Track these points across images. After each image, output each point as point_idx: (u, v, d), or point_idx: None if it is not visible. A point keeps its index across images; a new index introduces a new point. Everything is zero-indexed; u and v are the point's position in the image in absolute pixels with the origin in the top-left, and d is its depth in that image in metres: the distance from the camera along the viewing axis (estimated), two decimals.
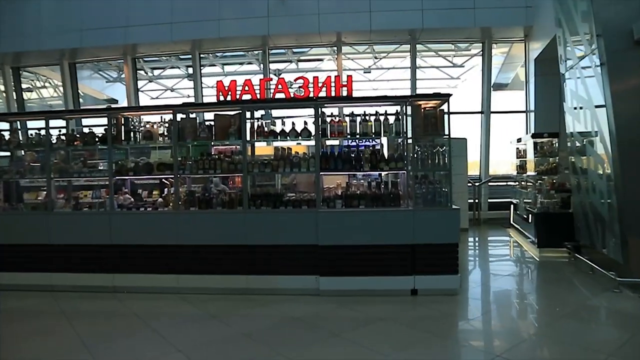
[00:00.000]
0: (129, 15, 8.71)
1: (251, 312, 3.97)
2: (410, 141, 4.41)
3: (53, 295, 4.55)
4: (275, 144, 4.93)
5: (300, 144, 5.77)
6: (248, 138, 4.60)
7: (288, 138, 4.57)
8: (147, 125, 4.87)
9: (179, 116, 4.72)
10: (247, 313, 3.96)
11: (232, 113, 4.71)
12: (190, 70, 10.06)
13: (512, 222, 8.42)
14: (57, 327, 3.70)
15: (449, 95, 4.32)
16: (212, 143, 5.36)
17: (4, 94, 10.12)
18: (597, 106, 4.76)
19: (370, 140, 5.59)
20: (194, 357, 3.07)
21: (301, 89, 4.78)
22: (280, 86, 4.89)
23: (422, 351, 3.12)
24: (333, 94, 4.81)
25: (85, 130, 4.97)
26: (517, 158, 8.37)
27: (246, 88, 4.90)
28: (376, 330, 3.48)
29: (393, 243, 4.24)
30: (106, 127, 4.76)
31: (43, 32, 8.93)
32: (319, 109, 4.47)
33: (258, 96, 5.01)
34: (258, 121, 4.92)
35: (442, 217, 4.25)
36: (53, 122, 5.23)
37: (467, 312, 4.08)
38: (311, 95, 4.77)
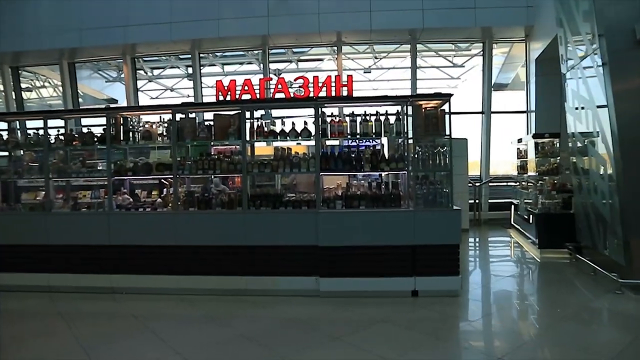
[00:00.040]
0: (129, 14, 8.68)
1: (250, 314, 3.95)
2: (411, 141, 4.39)
3: (51, 296, 4.52)
4: (275, 144, 4.90)
5: (300, 144, 5.75)
6: (248, 138, 4.57)
7: (288, 138, 4.55)
8: (146, 125, 4.85)
9: (178, 116, 4.69)
10: (246, 314, 3.93)
11: (231, 113, 4.68)
12: (190, 70, 10.04)
13: (512, 222, 8.40)
14: (54, 329, 3.67)
15: (450, 95, 4.30)
16: (212, 143, 5.33)
17: (3, 94, 10.09)
18: (598, 106, 4.73)
19: (371, 141, 5.57)
20: (193, 359, 3.04)
21: (301, 88, 4.75)
22: (280, 86, 4.86)
23: (423, 353, 3.09)
24: (333, 93, 4.77)
25: (84, 130, 4.93)
26: (518, 158, 8.36)
27: (246, 88, 4.86)
28: (376, 332, 3.45)
29: (393, 244, 4.21)
30: (105, 127, 4.73)
31: (42, 32, 8.90)
32: (319, 108, 4.45)
33: (258, 96, 4.98)
34: (258, 121, 4.89)
35: (443, 217, 4.22)
36: (52, 122, 5.22)
37: (468, 313, 4.06)
38: (311, 95, 4.74)
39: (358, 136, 4.51)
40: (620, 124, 4.36)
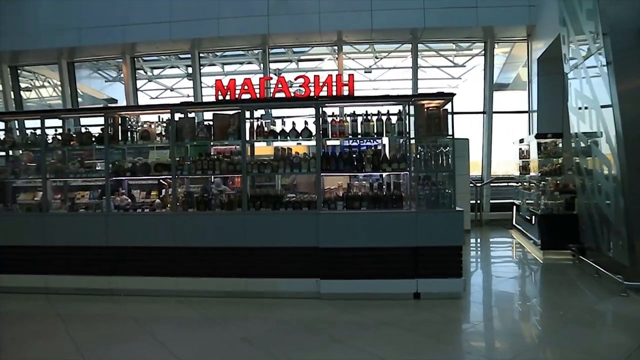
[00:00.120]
0: (128, 14, 8.63)
1: (250, 316, 3.89)
2: (412, 141, 4.34)
3: (49, 297, 4.47)
4: (275, 144, 4.84)
5: (300, 144, 5.70)
6: (247, 138, 4.51)
7: (288, 138, 4.49)
8: (145, 125, 4.79)
9: (177, 116, 4.63)
10: (246, 317, 3.88)
11: (231, 112, 4.63)
12: (190, 69, 9.98)
13: (514, 223, 8.35)
14: (51, 331, 3.62)
15: (453, 94, 4.25)
16: (211, 143, 5.28)
17: (2, 93, 10.04)
18: (602, 106, 4.68)
19: (372, 141, 5.52)
20: None
21: (302, 88, 4.68)
22: (280, 85, 4.80)
23: (425, 357, 3.03)
24: (334, 93, 4.71)
25: (82, 130, 4.87)
26: (520, 159, 8.30)
27: (245, 87, 4.80)
28: (378, 335, 3.40)
29: (395, 245, 4.16)
30: (103, 126, 4.68)
31: (41, 31, 8.85)
32: (320, 108, 4.39)
33: (258, 95, 4.91)
34: (258, 121, 4.84)
35: (445, 219, 4.17)
36: (51, 122, 5.16)
37: (470, 316, 4.01)
38: (312, 94, 4.68)
39: (359, 136, 4.46)
40: (625, 124, 4.30)
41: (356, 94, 4.80)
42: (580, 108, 5.38)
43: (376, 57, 10.35)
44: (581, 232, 5.69)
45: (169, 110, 4.61)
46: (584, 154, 5.38)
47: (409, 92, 8.81)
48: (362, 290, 4.17)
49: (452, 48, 10.06)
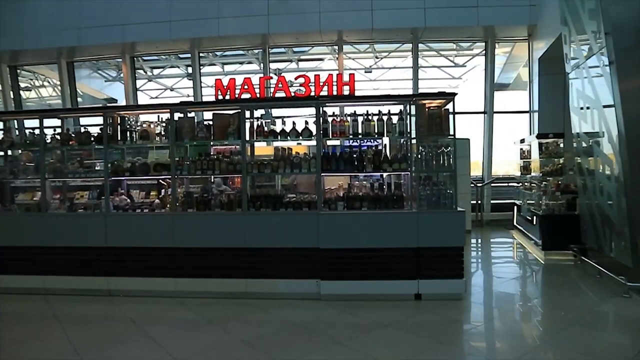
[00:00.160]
0: (128, 13, 8.60)
1: (250, 317, 3.86)
2: (414, 141, 4.31)
3: (47, 298, 4.44)
4: (276, 144, 4.82)
5: (300, 144, 5.66)
6: (247, 138, 4.49)
7: (288, 138, 4.46)
8: (144, 125, 4.76)
9: (177, 115, 4.61)
10: (245, 318, 3.85)
11: (231, 112, 4.60)
12: (190, 69, 9.95)
13: (515, 223, 8.32)
14: (49, 332, 3.59)
15: (455, 94, 4.22)
16: (211, 143, 5.25)
17: (2, 93, 10.01)
18: (605, 106, 4.65)
19: (373, 141, 5.49)
20: None
21: (302, 87, 4.65)
22: (280, 84, 4.77)
23: (426, 358, 3.00)
24: (335, 92, 4.68)
25: (81, 129, 4.85)
26: (521, 159, 8.27)
27: (245, 86, 4.76)
28: (379, 337, 3.37)
29: (396, 246, 4.13)
30: (102, 126, 4.65)
31: (41, 31, 8.82)
32: (321, 108, 4.37)
33: (258, 95, 4.88)
34: (258, 120, 4.81)
35: (446, 219, 4.14)
36: (50, 122, 5.13)
37: (472, 317, 3.98)
38: (312, 94, 4.65)
39: (360, 136, 4.43)
40: (627, 123, 4.27)
41: (357, 93, 4.77)
42: (582, 108, 5.36)
43: (376, 57, 10.33)
44: (583, 233, 5.66)
45: (169, 110, 4.59)
46: (586, 154, 5.35)
47: (410, 92, 8.79)
48: (362, 292, 4.14)
49: (453, 48, 10.04)
